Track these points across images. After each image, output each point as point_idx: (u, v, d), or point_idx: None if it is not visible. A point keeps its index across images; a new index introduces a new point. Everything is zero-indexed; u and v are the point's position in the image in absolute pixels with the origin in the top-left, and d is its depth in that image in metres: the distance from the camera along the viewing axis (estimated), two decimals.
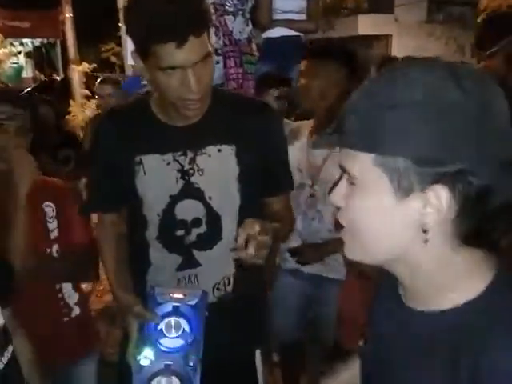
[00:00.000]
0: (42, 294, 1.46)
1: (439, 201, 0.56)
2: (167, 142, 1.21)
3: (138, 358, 1.10)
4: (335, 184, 0.65)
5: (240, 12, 2.94)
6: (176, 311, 1.12)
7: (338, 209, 0.64)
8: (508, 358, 0.52)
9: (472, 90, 0.55)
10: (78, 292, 1.57)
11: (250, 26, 3.03)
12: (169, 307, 1.13)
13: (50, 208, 1.49)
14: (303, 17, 3.05)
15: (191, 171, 1.20)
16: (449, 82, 0.55)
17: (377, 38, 11.65)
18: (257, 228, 1.02)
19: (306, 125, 1.94)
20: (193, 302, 1.13)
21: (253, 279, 1.29)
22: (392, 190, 0.57)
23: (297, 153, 1.85)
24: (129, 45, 2.44)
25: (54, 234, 1.49)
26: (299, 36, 3.07)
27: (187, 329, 1.11)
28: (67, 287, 1.54)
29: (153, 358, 1.10)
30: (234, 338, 1.26)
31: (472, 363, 0.54)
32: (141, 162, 1.21)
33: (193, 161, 1.20)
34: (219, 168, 1.21)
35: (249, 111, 1.25)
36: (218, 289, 1.26)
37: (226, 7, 2.86)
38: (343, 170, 0.62)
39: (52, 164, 2.57)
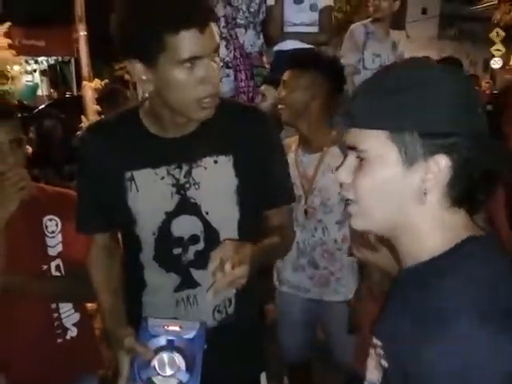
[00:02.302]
0: (32, 313, 1.38)
1: (438, 168, 0.66)
2: (160, 155, 1.12)
3: None
4: (341, 163, 0.74)
5: (251, 25, 2.92)
6: (171, 345, 1.01)
7: (341, 185, 0.74)
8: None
9: (461, 79, 0.70)
10: (79, 312, 1.48)
11: (262, 39, 3.02)
12: (163, 341, 1.01)
13: (53, 222, 1.42)
14: (315, 29, 3.02)
15: (187, 185, 1.12)
16: (443, 71, 0.69)
17: None
18: (231, 251, 0.96)
19: (292, 140, 1.91)
20: (190, 336, 1.02)
21: (255, 298, 1.23)
22: (400, 160, 0.68)
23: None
24: None
25: (55, 250, 1.42)
26: (311, 49, 3.04)
27: (182, 366, 0.99)
28: (65, 307, 1.45)
29: None
30: (237, 362, 1.18)
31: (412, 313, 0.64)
32: (132, 178, 1.12)
33: (188, 174, 1.12)
34: (216, 181, 1.13)
35: (245, 119, 1.18)
36: (218, 311, 1.18)
37: (238, 20, 2.85)
38: (352, 149, 0.71)
39: (57, 179, 2.55)
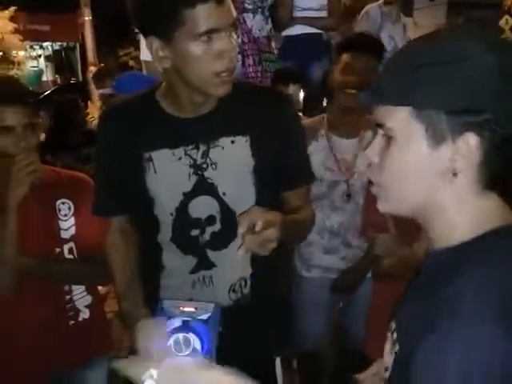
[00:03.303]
0: (45, 295, 1.39)
1: (468, 148, 0.62)
2: (177, 136, 1.13)
3: (143, 377, 0.99)
4: (370, 143, 0.71)
5: (259, 9, 2.89)
6: (186, 326, 1.02)
7: (369, 166, 0.71)
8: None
9: (495, 50, 0.63)
10: (91, 294, 1.50)
11: (270, 24, 2.99)
12: (178, 322, 1.03)
13: (65, 205, 1.43)
14: (324, 14, 3.00)
15: (204, 165, 1.13)
16: (477, 43, 0.63)
17: None
18: (260, 215, 0.96)
19: (318, 122, 1.88)
20: (204, 317, 1.03)
21: (271, 280, 1.22)
22: (427, 139, 0.64)
23: (320, 153, 1.81)
24: (142, 40, 2.40)
25: (68, 233, 1.43)
26: (320, 33, 3.02)
27: (198, 346, 1.00)
28: (78, 289, 1.47)
29: (158, 377, 0.98)
30: (251, 344, 1.18)
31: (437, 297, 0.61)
32: (150, 159, 1.13)
33: (206, 154, 1.12)
34: (233, 161, 1.13)
35: (263, 100, 1.17)
36: (234, 291, 1.18)
37: (246, 5, 2.82)
38: (380, 127, 0.69)
39: (75, 162, 2.55)
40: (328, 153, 1.81)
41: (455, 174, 0.64)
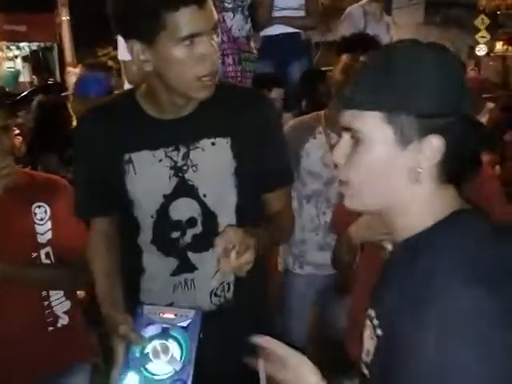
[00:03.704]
0: (22, 301, 1.36)
1: (431, 149, 0.67)
2: (158, 137, 1.12)
3: (122, 383, 0.98)
4: (336, 144, 0.75)
5: (239, 8, 2.88)
6: (165, 333, 1.00)
7: (336, 166, 0.75)
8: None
9: (454, 60, 0.71)
10: (69, 299, 1.47)
11: (249, 23, 2.98)
12: (157, 328, 1.01)
13: (41, 209, 1.40)
14: (302, 13, 3.00)
15: (185, 167, 1.12)
16: (437, 52, 0.70)
17: None
18: (236, 238, 0.96)
19: (315, 120, 1.89)
20: (184, 324, 1.01)
21: (255, 284, 1.21)
22: (394, 141, 0.68)
23: (318, 149, 1.84)
24: (120, 40, 2.37)
25: (45, 237, 1.40)
26: (299, 33, 3.02)
27: (176, 354, 0.99)
28: (56, 295, 1.44)
29: None
30: (233, 349, 1.14)
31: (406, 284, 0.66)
32: (130, 161, 1.12)
33: (186, 156, 1.12)
34: (214, 163, 1.13)
35: (244, 101, 1.17)
36: (216, 294, 1.17)
37: (225, 4, 2.81)
38: (347, 130, 0.72)
39: (58, 165, 2.50)
40: (326, 150, 1.83)
41: (419, 173, 0.69)
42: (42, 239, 1.40)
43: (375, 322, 0.73)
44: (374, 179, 0.71)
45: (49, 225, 1.41)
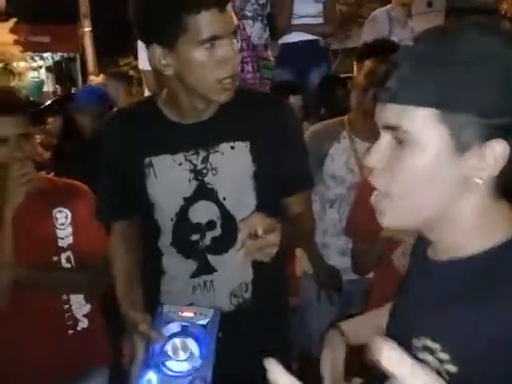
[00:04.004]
0: (43, 305, 1.38)
1: (495, 156, 0.56)
2: (178, 141, 1.14)
3: (141, 381, 0.99)
4: (373, 146, 0.63)
5: (259, 18, 2.91)
6: (184, 331, 1.01)
7: (371, 171, 0.63)
8: None
9: None
10: (89, 303, 1.49)
11: (268, 32, 3.01)
12: (177, 327, 1.02)
13: (62, 214, 1.42)
14: (320, 20, 3.01)
15: (204, 171, 1.13)
16: (503, 40, 0.58)
17: None
18: (261, 221, 0.95)
19: (339, 124, 1.89)
20: (203, 322, 1.02)
21: (273, 285, 1.22)
22: (451, 146, 0.57)
23: (342, 154, 1.84)
24: (140, 46, 2.40)
25: (66, 242, 1.42)
26: (318, 40, 3.02)
27: (196, 351, 1.00)
28: (77, 298, 1.46)
29: (156, 383, 0.99)
30: (252, 349, 1.17)
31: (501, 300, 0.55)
32: (151, 164, 1.14)
33: (206, 160, 1.13)
34: (233, 166, 1.14)
35: (263, 106, 1.18)
36: (235, 295, 1.18)
37: (246, 12, 2.84)
38: (390, 129, 0.60)
39: (84, 172, 2.53)
40: (350, 154, 1.83)
41: (477, 184, 0.58)
42: (62, 243, 1.42)
43: (442, 355, 0.60)
44: (422, 190, 0.59)
45: (70, 229, 1.43)
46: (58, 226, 1.42)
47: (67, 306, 1.44)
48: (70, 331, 1.44)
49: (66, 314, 1.44)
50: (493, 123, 0.56)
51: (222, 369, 1.00)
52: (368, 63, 1.78)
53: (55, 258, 1.41)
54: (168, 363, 1.00)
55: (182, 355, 0.99)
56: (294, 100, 2.47)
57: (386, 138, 0.61)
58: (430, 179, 0.59)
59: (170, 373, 0.99)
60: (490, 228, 0.61)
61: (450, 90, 0.56)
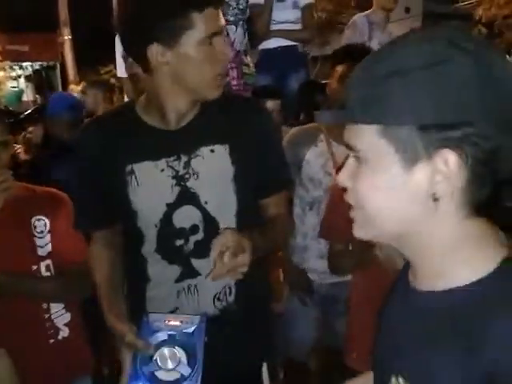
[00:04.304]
0: (23, 313, 1.36)
1: (447, 166, 0.54)
2: (159, 147, 1.14)
3: None
4: (342, 165, 0.63)
5: (240, 22, 2.93)
6: (172, 340, 1.02)
7: (345, 190, 0.63)
8: None
9: (473, 52, 0.54)
10: (70, 312, 1.47)
11: (247, 37, 3.03)
12: (164, 335, 1.02)
13: (41, 222, 1.41)
14: (298, 26, 3.04)
15: (187, 176, 1.14)
16: (449, 47, 0.54)
17: None
18: (232, 240, 0.98)
19: (316, 128, 1.91)
20: (190, 329, 1.03)
21: (256, 288, 1.22)
22: (399, 160, 0.56)
23: (319, 157, 1.87)
24: (118, 54, 2.36)
25: (45, 250, 1.41)
26: (296, 45, 3.06)
27: (184, 360, 1.00)
28: (57, 307, 1.44)
29: None
30: (237, 352, 1.18)
31: (483, 336, 0.52)
32: (132, 172, 1.13)
33: (187, 165, 1.14)
34: (213, 170, 1.15)
35: (241, 109, 1.20)
36: (218, 299, 1.19)
37: (228, 16, 2.83)
38: (350, 148, 0.61)
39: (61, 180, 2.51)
40: (328, 158, 1.86)
41: (436, 199, 0.56)
42: (42, 252, 1.41)
43: None
44: (380, 206, 0.59)
45: (48, 237, 1.41)
46: (37, 235, 1.40)
47: (47, 315, 1.42)
48: (51, 340, 1.43)
49: (47, 323, 1.42)
50: (436, 136, 0.54)
51: (209, 372, 1.01)
52: (339, 68, 1.82)
53: (34, 267, 1.40)
54: (157, 373, 1.00)
55: (171, 364, 0.99)
56: (273, 105, 2.49)
57: (352, 157, 0.62)
58: (388, 196, 0.58)
59: (159, 382, 0.99)
60: (471, 254, 0.58)
61: (386, 104, 0.55)
